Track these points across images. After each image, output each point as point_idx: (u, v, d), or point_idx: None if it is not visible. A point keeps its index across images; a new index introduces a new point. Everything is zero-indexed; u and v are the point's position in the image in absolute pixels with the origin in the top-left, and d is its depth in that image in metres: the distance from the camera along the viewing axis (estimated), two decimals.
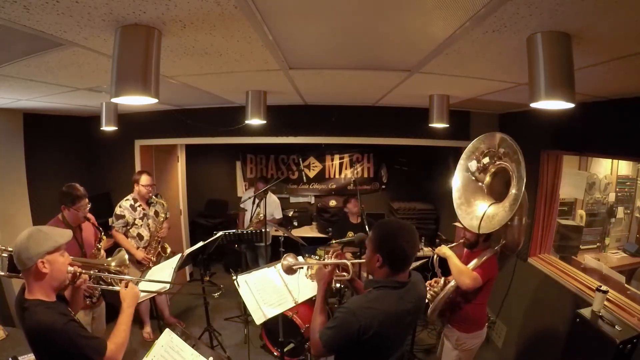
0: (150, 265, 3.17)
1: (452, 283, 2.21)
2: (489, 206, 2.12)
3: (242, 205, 4.49)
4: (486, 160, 2.20)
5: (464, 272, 2.12)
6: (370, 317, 1.37)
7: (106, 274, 1.98)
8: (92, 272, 1.77)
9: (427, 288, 2.34)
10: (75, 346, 1.39)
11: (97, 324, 2.70)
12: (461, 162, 2.32)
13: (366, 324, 1.36)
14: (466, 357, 2.30)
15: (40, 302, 1.41)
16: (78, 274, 1.62)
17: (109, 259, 2.09)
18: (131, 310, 1.65)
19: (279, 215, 4.53)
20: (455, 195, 2.29)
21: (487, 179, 2.21)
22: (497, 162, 2.14)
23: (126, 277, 1.86)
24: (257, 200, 4.22)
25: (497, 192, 2.17)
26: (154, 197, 3.43)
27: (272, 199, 4.32)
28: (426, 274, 3.69)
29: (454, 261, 2.19)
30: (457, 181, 2.31)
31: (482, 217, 2.06)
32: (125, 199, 3.27)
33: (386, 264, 1.43)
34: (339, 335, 1.41)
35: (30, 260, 1.38)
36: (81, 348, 1.40)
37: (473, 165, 2.24)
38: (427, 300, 2.29)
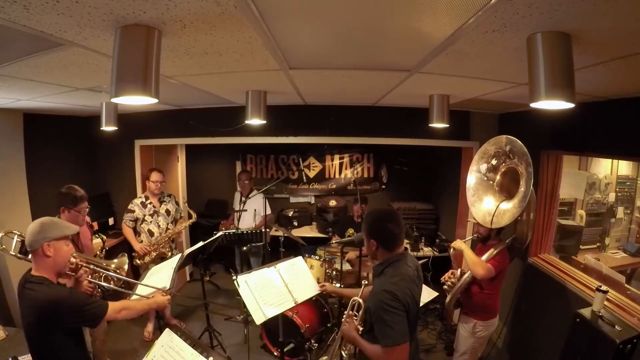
0: (146, 259, 3.30)
1: (468, 274, 2.40)
2: (500, 203, 2.30)
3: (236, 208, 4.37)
4: (494, 161, 2.39)
5: (478, 263, 2.30)
6: (402, 288, 1.53)
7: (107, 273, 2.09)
8: (91, 266, 1.95)
9: (444, 280, 2.58)
10: (79, 311, 1.57)
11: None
12: (473, 166, 2.52)
13: (403, 294, 1.51)
14: (480, 345, 2.51)
15: (45, 279, 1.57)
16: (79, 265, 1.80)
17: (104, 261, 2.18)
18: (150, 306, 1.92)
19: (267, 211, 4.31)
20: (469, 193, 2.49)
21: (498, 177, 2.40)
22: (507, 162, 2.33)
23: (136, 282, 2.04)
24: (243, 199, 4.21)
25: (507, 190, 2.36)
26: (166, 196, 3.55)
27: (258, 196, 4.27)
28: (426, 274, 3.72)
29: (468, 253, 2.37)
30: (470, 181, 2.52)
31: (494, 213, 2.25)
32: (138, 196, 3.49)
33: (381, 246, 1.65)
34: (398, 319, 1.48)
35: (37, 242, 1.56)
36: (82, 314, 1.58)
37: (484, 167, 2.45)
38: (445, 289, 2.57)
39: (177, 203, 3.67)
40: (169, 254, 3.39)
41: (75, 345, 1.63)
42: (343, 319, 1.87)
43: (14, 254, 2.09)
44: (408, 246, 4.18)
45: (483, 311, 2.42)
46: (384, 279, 1.61)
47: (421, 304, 2.74)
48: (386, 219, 1.66)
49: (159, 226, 3.43)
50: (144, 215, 3.39)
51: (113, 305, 1.69)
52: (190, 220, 3.59)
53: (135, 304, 1.87)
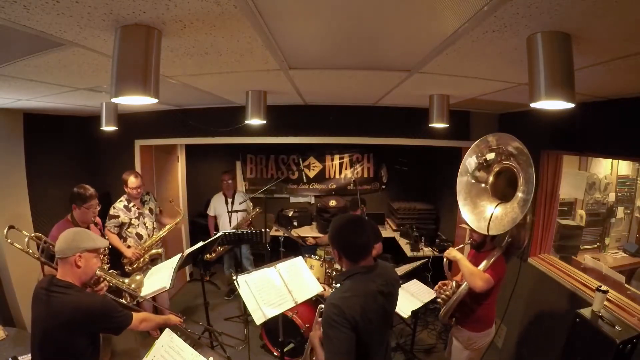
0: (140, 263, 3.24)
1: (464, 285, 2.20)
2: (496, 207, 2.07)
3: (213, 213, 4.35)
4: (491, 156, 2.12)
5: (477, 274, 2.11)
6: (352, 303, 1.43)
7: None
8: (114, 281, 2.07)
9: (436, 291, 2.40)
10: (109, 317, 1.64)
11: None
12: (463, 162, 2.26)
13: (351, 310, 1.41)
14: (476, 356, 2.32)
15: (74, 284, 1.62)
16: (102, 279, 1.88)
17: (127, 280, 2.27)
18: (165, 322, 1.99)
19: (250, 207, 4.39)
20: (460, 197, 2.24)
21: (491, 179, 2.16)
22: (503, 162, 2.09)
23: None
24: (229, 200, 4.21)
25: (500, 192, 2.13)
26: (145, 195, 3.46)
27: (244, 197, 4.28)
28: (426, 274, 3.72)
29: (464, 264, 2.17)
30: (459, 184, 2.26)
31: (490, 219, 2.02)
32: (119, 200, 3.30)
33: (343, 256, 1.56)
34: (342, 337, 1.40)
35: (70, 250, 1.61)
36: (111, 321, 1.65)
37: (472, 162, 2.19)
38: (438, 301, 2.38)
39: (154, 198, 3.58)
40: (161, 252, 3.37)
41: (93, 350, 1.66)
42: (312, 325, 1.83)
43: (37, 256, 2.17)
44: (408, 246, 4.18)
45: (477, 322, 2.26)
46: (338, 290, 1.54)
47: (421, 304, 2.78)
48: (348, 229, 1.54)
49: (146, 227, 3.35)
50: (130, 219, 3.25)
51: (136, 315, 1.76)
52: (178, 218, 3.43)
53: (153, 317, 1.94)
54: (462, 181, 2.23)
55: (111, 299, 1.80)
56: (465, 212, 2.19)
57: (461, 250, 2.35)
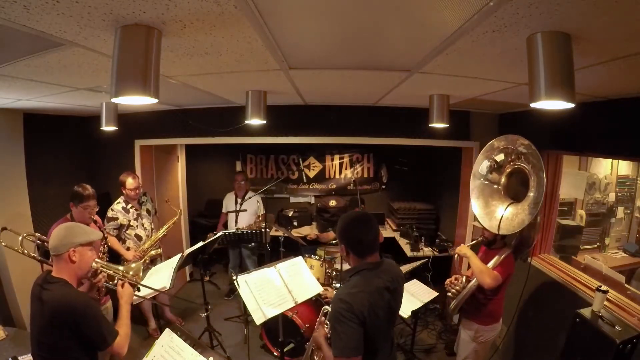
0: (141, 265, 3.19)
1: (474, 281, 2.29)
2: (507, 207, 2.13)
3: (225, 210, 4.39)
4: (500, 157, 2.18)
5: (485, 271, 2.21)
6: (360, 299, 1.45)
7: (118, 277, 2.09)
8: (111, 271, 1.97)
9: (447, 286, 2.49)
10: (92, 324, 1.55)
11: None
12: (475, 165, 2.33)
13: (360, 306, 1.43)
14: (482, 349, 2.41)
15: (67, 282, 1.59)
16: (99, 271, 1.82)
17: (122, 268, 2.18)
18: (129, 306, 1.83)
19: (261, 211, 4.41)
20: (473, 195, 2.30)
21: (503, 179, 2.22)
22: (514, 163, 2.15)
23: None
24: (239, 200, 4.22)
25: (513, 192, 2.19)
26: (143, 195, 3.44)
27: (253, 197, 4.28)
28: (426, 274, 3.72)
29: (474, 261, 2.27)
30: (472, 185, 2.32)
31: (501, 219, 2.09)
32: (116, 202, 3.27)
33: (350, 251, 1.59)
34: (350, 332, 1.41)
35: (64, 247, 1.59)
36: (96, 327, 1.55)
37: (484, 167, 2.26)
38: (448, 295, 2.47)
39: (151, 199, 3.57)
40: (159, 252, 3.35)
41: (90, 355, 1.60)
42: (315, 326, 1.84)
43: (34, 255, 2.16)
44: (408, 246, 4.18)
45: (486, 316, 2.34)
46: (345, 287, 1.56)
47: (421, 304, 2.78)
48: (355, 225, 1.58)
49: (145, 228, 3.33)
50: (129, 221, 3.23)
51: (120, 340, 1.63)
52: (176, 217, 3.43)
53: (125, 322, 1.74)
54: (476, 184, 2.31)
55: (98, 307, 1.69)
56: (477, 208, 2.27)
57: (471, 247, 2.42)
